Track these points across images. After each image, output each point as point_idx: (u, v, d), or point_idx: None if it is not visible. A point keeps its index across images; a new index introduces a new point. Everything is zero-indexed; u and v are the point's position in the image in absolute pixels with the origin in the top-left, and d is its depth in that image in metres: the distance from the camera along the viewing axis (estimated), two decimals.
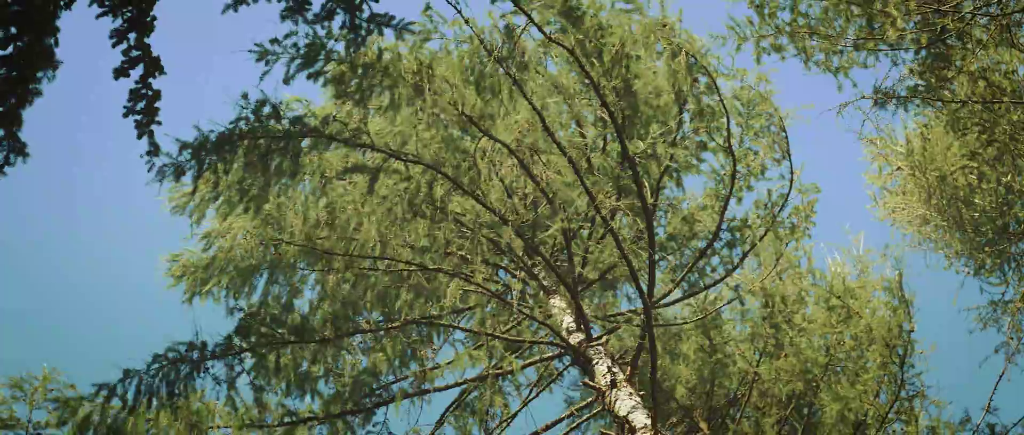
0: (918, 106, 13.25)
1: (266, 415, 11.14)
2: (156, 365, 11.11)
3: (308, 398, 12.26)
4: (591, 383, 10.72)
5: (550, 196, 11.45)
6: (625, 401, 10.15)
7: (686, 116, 12.27)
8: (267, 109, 10.31)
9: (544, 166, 11.48)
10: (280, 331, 11.70)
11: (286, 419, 11.21)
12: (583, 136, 11.43)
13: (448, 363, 12.20)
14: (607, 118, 10.75)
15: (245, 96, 10.22)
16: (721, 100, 11.50)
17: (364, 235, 12.09)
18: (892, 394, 11.74)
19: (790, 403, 12.23)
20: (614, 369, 10.71)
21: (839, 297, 12.34)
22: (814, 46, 12.77)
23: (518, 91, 10.81)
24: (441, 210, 11.88)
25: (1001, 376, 12.24)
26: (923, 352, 14.33)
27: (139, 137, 5.07)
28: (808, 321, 12.60)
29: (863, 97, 12.66)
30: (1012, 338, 14.99)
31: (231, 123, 10.10)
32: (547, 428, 12.32)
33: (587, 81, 11.11)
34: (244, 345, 11.57)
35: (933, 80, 12.37)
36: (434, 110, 11.28)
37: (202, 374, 11.37)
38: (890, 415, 11.86)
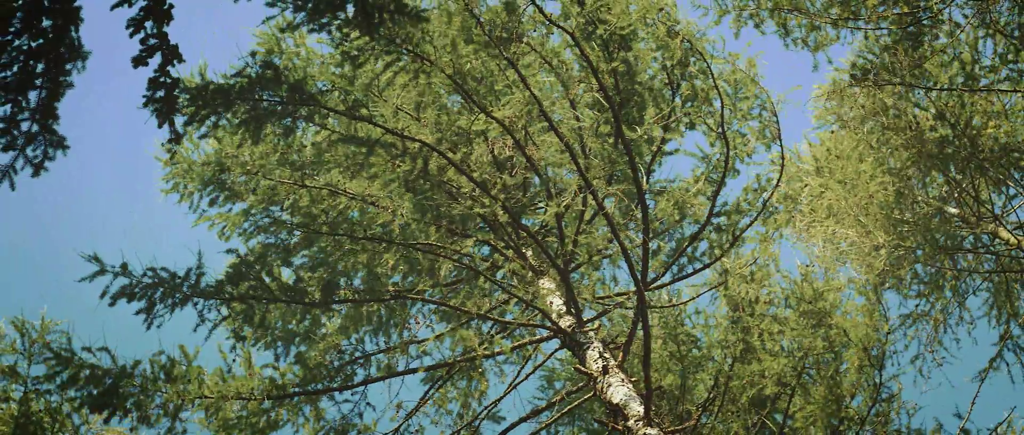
0: (896, 87, 13.41)
1: (253, 385, 11.04)
2: (148, 278, 10.98)
3: (289, 359, 12.29)
4: (583, 368, 10.57)
5: (543, 176, 11.44)
6: (618, 388, 10.01)
7: (678, 99, 12.28)
8: (269, 72, 10.10)
9: (537, 146, 11.47)
10: (272, 286, 11.63)
11: (273, 393, 11.12)
12: (578, 119, 11.38)
13: (434, 338, 12.22)
14: (604, 102, 10.74)
15: (253, 54, 10.03)
16: (715, 84, 11.51)
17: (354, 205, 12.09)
18: (869, 399, 11.76)
19: (764, 406, 12.22)
20: (606, 355, 10.57)
21: (810, 302, 12.31)
22: (794, 25, 12.88)
23: (515, 74, 10.73)
24: (436, 186, 11.82)
25: (980, 387, 12.36)
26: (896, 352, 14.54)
27: (159, 125, 5.04)
28: (780, 324, 12.55)
29: (849, 84, 12.81)
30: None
31: (232, 78, 9.87)
32: (537, 413, 12.28)
33: (586, 64, 11.06)
34: (234, 292, 11.51)
35: (906, 61, 12.51)
36: (433, 82, 11.27)
37: (192, 306, 11.34)
38: (866, 418, 11.86)
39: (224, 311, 11.78)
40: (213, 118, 9.63)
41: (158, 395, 10.64)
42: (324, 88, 11.57)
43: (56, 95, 4.46)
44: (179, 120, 9.42)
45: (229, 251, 12.23)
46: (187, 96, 9.41)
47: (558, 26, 10.78)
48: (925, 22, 12.12)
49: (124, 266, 10.90)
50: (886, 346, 12.04)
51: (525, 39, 11.17)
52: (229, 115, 9.79)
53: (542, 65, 11.54)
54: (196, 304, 11.43)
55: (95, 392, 10.42)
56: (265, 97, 9.99)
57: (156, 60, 4.83)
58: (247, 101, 9.86)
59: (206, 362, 11.26)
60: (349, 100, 11.19)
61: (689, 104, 12.30)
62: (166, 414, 10.69)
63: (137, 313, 11.04)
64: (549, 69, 11.59)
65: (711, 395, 11.69)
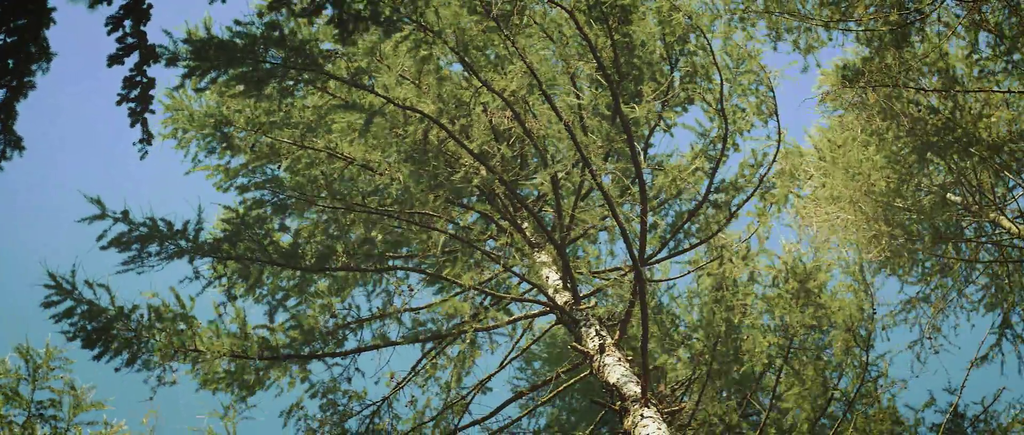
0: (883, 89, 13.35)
1: (247, 344, 11.09)
2: (145, 227, 11.07)
3: (283, 320, 12.33)
4: (579, 347, 10.43)
5: (541, 149, 11.38)
6: (614, 367, 9.86)
7: (677, 75, 12.20)
8: (276, 34, 10.01)
9: (536, 117, 11.40)
10: (269, 248, 11.66)
11: (266, 353, 11.17)
12: (578, 96, 11.30)
13: (427, 307, 12.25)
14: (602, 80, 10.66)
15: (260, 15, 9.95)
16: (714, 60, 11.40)
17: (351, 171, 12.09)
18: (856, 378, 11.77)
19: (751, 385, 12.22)
20: (602, 333, 10.46)
21: (801, 281, 12.26)
22: (785, 28, 12.80)
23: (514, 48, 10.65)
24: (435, 155, 11.77)
25: (971, 365, 12.39)
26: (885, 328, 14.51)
27: (132, 125, 5.04)
28: (767, 302, 12.51)
29: (839, 87, 12.74)
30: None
31: (236, 36, 9.79)
32: (533, 389, 12.26)
33: (585, 41, 10.97)
34: (232, 251, 11.55)
35: (896, 63, 12.42)
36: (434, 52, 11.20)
37: (187, 261, 11.45)
38: (855, 397, 11.88)
39: (220, 268, 11.85)
40: (214, 73, 9.61)
41: (152, 341, 10.74)
42: (327, 50, 11.49)
43: (18, 95, 4.47)
44: (174, 102, 9.48)
45: (227, 208, 12.24)
46: (190, 48, 9.41)
47: (557, 5, 10.66)
48: (914, 22, 12.01)
49: (125, 213, 11.02)
50: (872, 326, 12.01)
51: (527, 12, 11.07)
52: (230, 71, 9.76)
53: (542, 37, 11.44)
54: (192, 259, 11.51)
55: (90, 327, 10.54)
56: (268, 58, 9.95)
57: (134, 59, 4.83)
58: (249, 59, 9.82)
59: (198, 316, 11.37)
60: (351, 66, 11.11)
61: (688, 80, 12.23)
62: (154, 365, 10.78)
63: (127, 261, 11.11)
64: (550, 42, 11.49)
65: (694, 374, 11.68)
